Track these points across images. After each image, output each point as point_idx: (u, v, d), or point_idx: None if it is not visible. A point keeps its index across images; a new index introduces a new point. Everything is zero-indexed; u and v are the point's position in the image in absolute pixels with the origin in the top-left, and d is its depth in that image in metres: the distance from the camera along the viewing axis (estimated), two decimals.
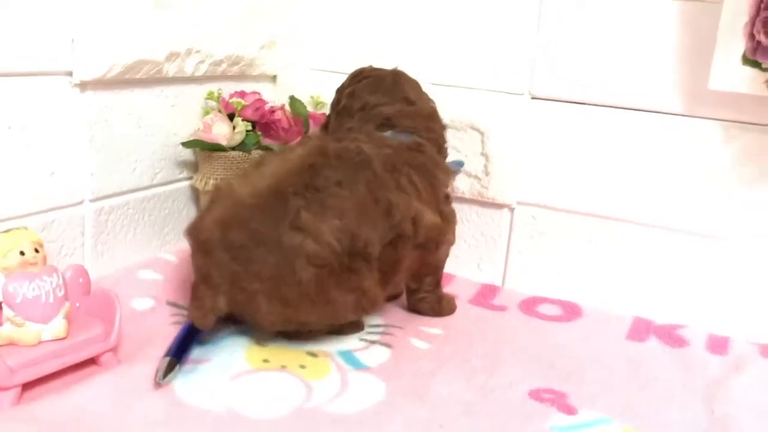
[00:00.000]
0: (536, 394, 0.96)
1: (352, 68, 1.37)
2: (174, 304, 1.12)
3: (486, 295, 1.30)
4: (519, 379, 0.99)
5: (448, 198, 1.12)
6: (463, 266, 1.37)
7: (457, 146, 1.31)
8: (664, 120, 1.18)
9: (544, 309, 1.25)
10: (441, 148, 1.14)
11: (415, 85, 1.18)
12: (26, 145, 0.97)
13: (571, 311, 1.24)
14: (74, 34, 1.00)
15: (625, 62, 1.19)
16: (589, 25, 1.20)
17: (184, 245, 1.31)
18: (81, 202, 1.08)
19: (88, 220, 1.09)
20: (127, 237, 1.17)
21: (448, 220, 1.10)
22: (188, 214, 1.30)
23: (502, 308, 1.25)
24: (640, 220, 1.22)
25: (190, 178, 1.29)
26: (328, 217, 0.93)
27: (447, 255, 1.15)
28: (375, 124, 1.10)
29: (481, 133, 1.29)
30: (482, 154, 1.30)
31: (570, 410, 0.92)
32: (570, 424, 0.89)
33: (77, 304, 0.95)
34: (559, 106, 1.25)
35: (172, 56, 1.15)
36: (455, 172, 1.25)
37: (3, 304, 0.87)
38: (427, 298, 1.16)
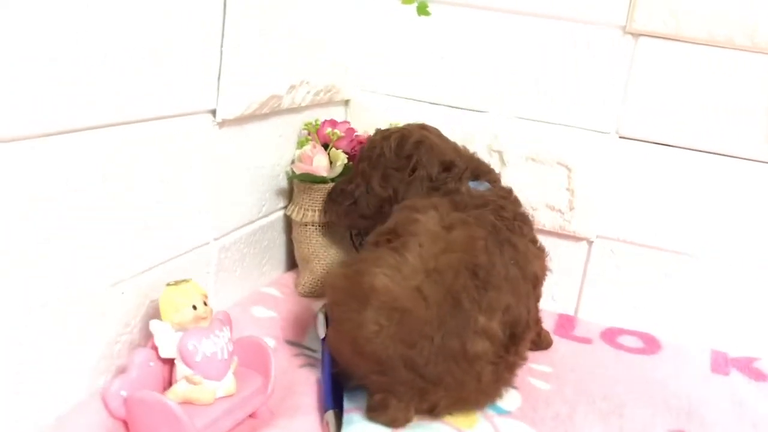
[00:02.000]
0: None
1: (429, 96, 1.39)
2: (293, 343, 1.10)
3: (566, 326, 1.34)
4: (648, 422, 1.03)
5: (536, 237, 1.12)
6: None
7: (541, 180, 1.34)
8: (744, 165, 1.25)
9: (625, 341, 1.31)
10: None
11: (451, 141, 1.17)
12: (167, 187, 0.92)
13: (650, 343, 1.30)
14: (219, 73, 0.96)
15: (711, 108, 1.24)
16: (678, 70, 1.25)
17: (278, 276, 1.30)
18: (207, 243, 1.03)
19: (213, 259, 1.05)
20: (237, 273, 1.14)
21: (545, 254, 1.10)
22: (281, 243, 1.27)
23: (586, 341, 1.29)
24: (713, 256, 1.29)
25: (284, 207, 1.26)
26: (496, 311, 0.91)
27: None
28: (464, 175, 1.08)
29: (568, 169, 1.32)
30: (567, 189, 1.33)
31: None
32: None
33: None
34: (644, 146, 1.30)
35: (291, 89, 1.12)
36: None
37: (177, 361, 0.83)
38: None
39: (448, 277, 0.89)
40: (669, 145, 1.28)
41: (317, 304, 1.19)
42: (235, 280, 1.14)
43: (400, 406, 0.89)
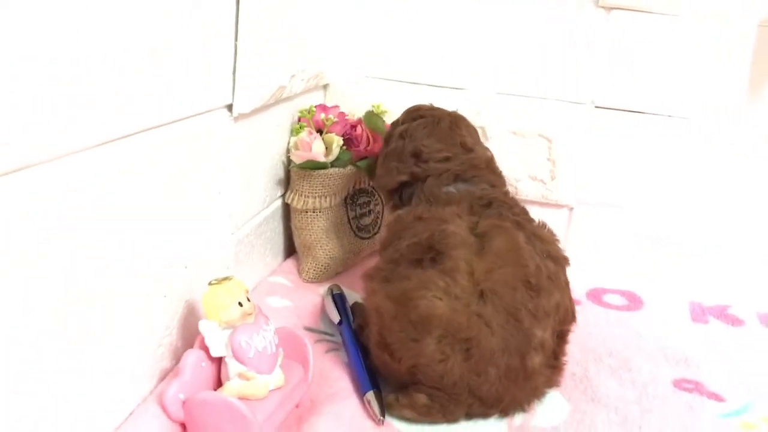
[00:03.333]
0: (679, 385, 1.08)
1: (408, 76, 1.41)
2: (312, 330, 1.11)
3: None
4: (656, 373, 1.10)
5: None
6: None
7: (523, 152, 1.39)
8: (711, 126, 1.33)
9: (610, 299, 1.38)
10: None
11: (472, 131, 1.16)
12: (188, 186, 0.91)
13: (633, 299, 1.38)
14: (234, 69, 0.95)
15: (680, 76, 1.32)
16: (647, 41, 1.32)
17: (278, 265, 1.30)
18: (227, 239, 1.03)
19: (230, 253, 1.05)
20: (247, 264, 1.14)
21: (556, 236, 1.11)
22: (281, 232, 1.27)
23: (575, 301, 1.36)
24: (689, 217, 1.38)
25: (282, 195, 1.26)
26: (549, 319, 0.92)
27: None
28: (446, 182, 1.05)
29: (548, 140, 1.38)
30: (549, 159, 1.39)
31: (718, 398, 1.06)
32: (730, 411, 1.03)
33: None
34: (619, 114, 1.36)
35: (292, 78, 1.12)
36: None
37: (228, 359, 0.84)
38: None
39: (507, 296, 0.89)
40: (642, 113, 1.36)
41: (322, 289, 1.21)
42: (247, 272, 1.14)
43: (438, 416, 0.91)
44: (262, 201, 1.17)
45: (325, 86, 1.43)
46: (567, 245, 1.44)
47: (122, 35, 0.70)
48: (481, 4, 1.36)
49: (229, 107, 0.97)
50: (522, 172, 1.40)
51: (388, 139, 1.13)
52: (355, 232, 1.31)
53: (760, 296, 1.37)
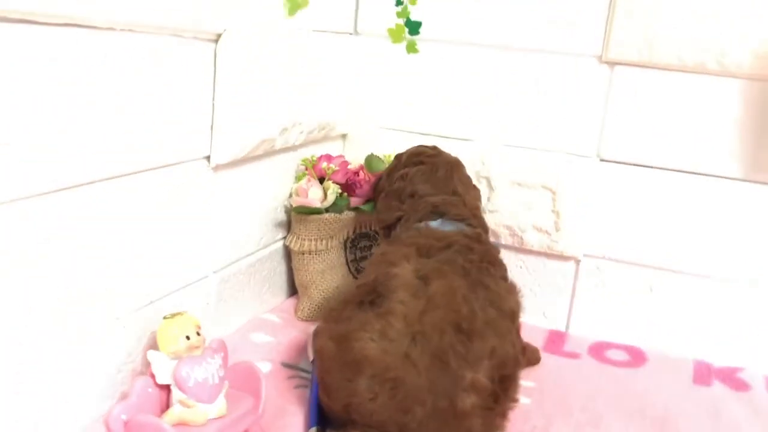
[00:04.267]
0: None
1: (420, 128, 1.47)
2: (289, 366, 1.18)
3: (556, 342, 1.40)
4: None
5: (506, 272, 1.16)
6: (529, 314, 1.47)
7: (528, 203, 1.41)
8: (724, 183, 1.30)
9: (612, 354, 1.36)
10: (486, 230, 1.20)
11: (465, 179, 1.24)
12: (167, 229, 1.03)
13: (637, 356, 1.36)
14: (213, 121, 1.06)
15: (687, 130, 1.30)
16: (652, 95, 1.31)
17: (279, 303, 1.39)
18: (206, 276, 1.14)
19: (212, 290, 1.15)
20: (238, 301, 1.24)
21: (517, 289, 1.14)
22: (281, 272, 1.37)
23: (574, 355, 1.35)
24: (697, 272, 1.34)
25: (283, 238, 1.36)
26: (482, 360, 0.94)
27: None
28: (423, 213, 1.14)
29: (553, 192, 1.39)
30: (553, 211, 1.40)
31: None
32: None
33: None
34: (624, 168, 1.36)
35: (284, 131, 1.22)
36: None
37: (173, 387, 0.93)
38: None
39: (434, 338, 0.93)
40: (647, 166, 1.34)
41: (313, 328, 1.28)
42: (236, 308, 1.24)
43: None
44: (256, 242, 1.27)
45: (343, 136, 1.52)
46: (575, 298, 1.44)
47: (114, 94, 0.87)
48: (490, 60, 1.41)
49: (208, 158, 1.07)
50: (526, 222, 1.42)
51: (389, 176, 1.23)
52: (354, 274, 1.38)
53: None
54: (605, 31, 1.32)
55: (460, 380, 0.93)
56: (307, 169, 1.35)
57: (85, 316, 0.91)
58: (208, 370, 0.94)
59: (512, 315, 1.03)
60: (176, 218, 1.04)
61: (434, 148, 1.26)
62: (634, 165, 1.35)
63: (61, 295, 0.86)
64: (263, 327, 1.27)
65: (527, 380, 1.24)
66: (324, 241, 1.32)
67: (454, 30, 1.42)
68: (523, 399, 1.16)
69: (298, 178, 1.34)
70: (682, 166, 1.32)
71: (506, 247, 1.45)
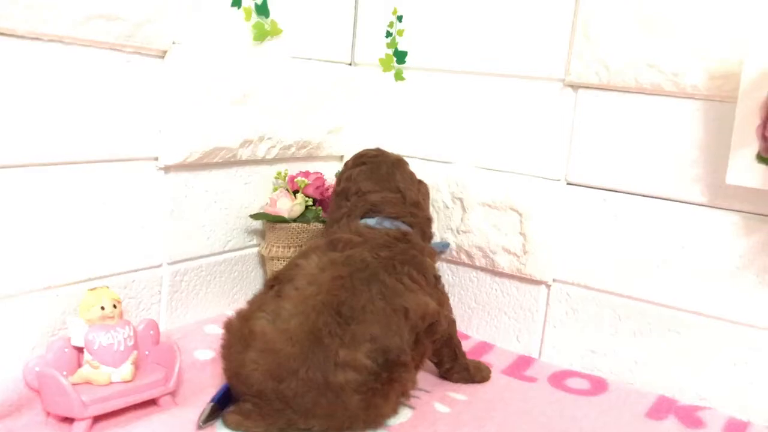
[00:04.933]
0: None
1: (408, 151, 1.54)
2: None
3: (520, 366, 1.38)
4: None
5: (438, 279, 1.21)
6: (503, 338, 1.46)
7: (497, 225, 1.42)
8: (688, 209, 1.25)
9: (572, 383, 1.32)
10: (425, 233, 1.25)
11: (407, 176, 1.29)
12: (115, 217, 1.18)
13: (597, 386, 1.31)
14: (161, 126, 1.21)
15: (650, 154, 1.27)
16: (614, 118, 1.29)
17: None
18: (160, 265, 1.27)
19: (165, 280, 1.29)
20: (199, 296, 1.36)
21: (441, 301, 1.19)
22: (255, 276, 1.48)
23: (531, 379, 1.33)
24: (667, 302, 1.28)
25: (258, 245, 1.47)
26: (361, 343, 1.02)
27: (452, 326, 1.23)
28: (362, 210, 1.22)
29: (520, 214, 1.40)
30: (521, 233, 1.40)
31: None
32: None
33: (146, 353, 1.14)
34: (591, 192, 1.34)
35: (246, 143, 1.35)
36: (440, 253, 1.38)
37: (84, 350, 1.06)
38: (454, 368, 1.26)
39: (312, 317, 1.02)
40: (614, 191, 1.32)
41: None
42: (198, 302, 1.36)
43: (260, 421, 1.02)
44: (223, 244, 1.39)
45: (341, 158, 1.63)
46: (546, 324, 1.42)
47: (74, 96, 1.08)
48: (468, 86, 1.46)
49: (157, 159, 1.22)
50: (497, 244, 1.43)
51: (338, 181, 1.31)
52: None
53: (743, 399, 1.21)
54: (567, 55, 1.33)
55: (332, 355, 1.01)
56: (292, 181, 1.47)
57: (25, 283, 1.07)
58: (115, 337, 1.07)
59: (405, 312, 1.08)
60: (125, 209, 1.19)
61: (377, 149, 1.33)
62: (602, 189, 1.33)
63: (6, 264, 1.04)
64: (221, 321, 1.37)
65: (460, 393, 1.25)
66: (293, 249, 1.41)
67: (434, 58, 1.50)
68: (443, 408, 1.18)
69: (274, 189, 1.45)
70: (647, 190, 1.29)
71: (481, 268, 1.47)
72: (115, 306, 1.09)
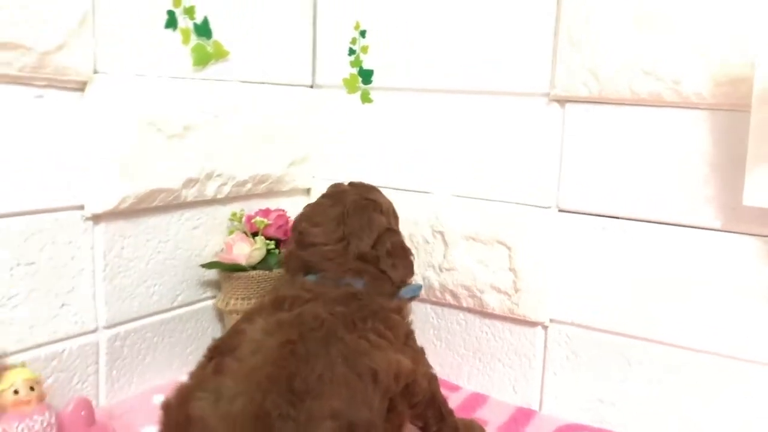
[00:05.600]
0: None
1: (380, 180, 1.38)
2: None
3: (519, 422, 1.21)
4: None
5: (409, 336, 1.03)
6: (497, 388, 1.29)
7: (484, 260, 1.26)
8: (701, 235, 1.09)
9: None
10: (384, 288, 1.04)
11: (367, 219, 1.07)
12: (36, 279, 1.01)
13: None
14: (86, 168, 1.05)
15: (653, 174, 1.11)
16: (611, 134, 1.14)
17: None
18: (95, 330, 1.10)
19: (102, 347, 1.12)
20: (146, 361, 1.19)
21: (416, 359, 1.00)
22: (212, 332, 1.30)
23: None
24: (684, 343, 1.11)
25: (214, 296, 1.30)
26: (320, 424, 0.83)
27: (433, 382, 1.05)
28: (295, 267, 1.04)
29: (508, 248, 1.23)
30: (510, 269, 1.24)
31: None
32: None
33: None
34: (587, 219, 1.18)
35: (190, 182, 1.18)
36: (411, 299, 1.11)
37: None
38: (442, 430, 1.09)
39: (257, 398, 0.83)
40: (613, 217, 1.16)
41: None
42: (144, 368, 1.18)
43: None
44: (170, 299, 1.22)
45: (307, 191, 1.46)
46: (546, 370, 1.25)
47: None
48: (440, 106, 1.30)
49: (82, 207, 1.05)
50: (484, 282, 1.26)
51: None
52: None
53: None
54: (551, 65, 1.18)
55: None
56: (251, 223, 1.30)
57: None
58: (32, 427, 0.90)
59: (373, 374, 0.89)
60: (48, 266, 1.02)
61: (350, 183, 1.15)
62: (599, 216, 1.17)
63: None
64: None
65: None
66: (254, 300, 1.24)
67: (403, 76, 1.34)
68: None
69: (230, 233, 1.28)
70: (652, 215, 1.12)
71: (469, 310, 1.30)
72: (32, 388, 0.92)
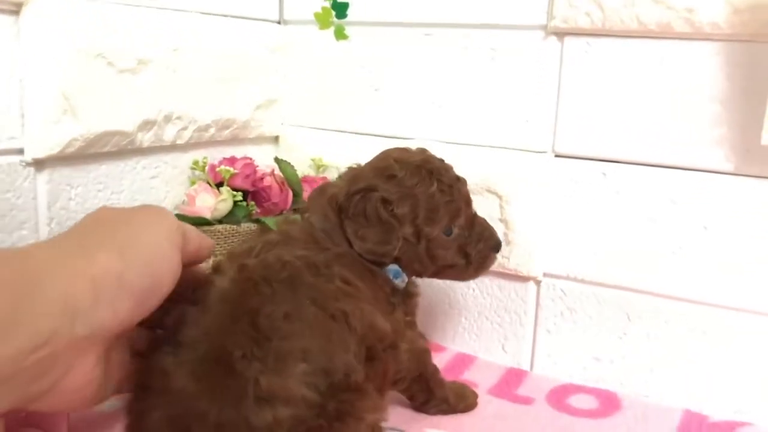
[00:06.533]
0: None
1: (363, 126, 1.26)
2: None
3: (510, 383, 1.13)
4: None
5: (411, 324, 0.94)
6: (486, 347, 1.21)
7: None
8: (710, 179, 1.00)
9: (577, 401, 1.07)
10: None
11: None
12: None
13: (608, 403, 1.06)
14: (24, 105, 0.91)
15: (660, 113, 1.02)
16: (616, 70, 1.04)
17: None
18: None
19: None
20: None
21: (398, 331, 0.88)
22: None
23: (527, 400, 1.07)
24: (688, 296, 1.04)
25: None
26: (290, 365, 0.73)
27: (423, 357, 0.95)
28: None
29: (499, 197, 1.14)
30: (501, 220, 1.14)
31: None
32: None
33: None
34: (586, 164, 1.09)
35: (147, 125, 1.05)
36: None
37: None
38: (431, 401, 0.99)
39: (217, 341, 0.73)
40: (614, 161, 1.07)
41: None
42: None
43: None
44: None
45: (276, 138, 1.34)
46: (538, 328, 1.16)
47: None
48: (425, 42, 1.18)
49: (21, 151, 0.91)
50: None
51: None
52: None
53: None
54: None
55: (251, 386, 0.70)
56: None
57: None
58: None
59: (345, 317, 0.78)
60: None
61: (422, 154, 0.99)
62: (599, 160, 1.08)
63: None
64: None
65: (441, 429, 0.98)
66: (220, 258, 1.12)
67: (384, 8, 1.21)
68: None
69: (192, 183, 1.16)
70: (657, 159, 1.04)
71: None
72: None
